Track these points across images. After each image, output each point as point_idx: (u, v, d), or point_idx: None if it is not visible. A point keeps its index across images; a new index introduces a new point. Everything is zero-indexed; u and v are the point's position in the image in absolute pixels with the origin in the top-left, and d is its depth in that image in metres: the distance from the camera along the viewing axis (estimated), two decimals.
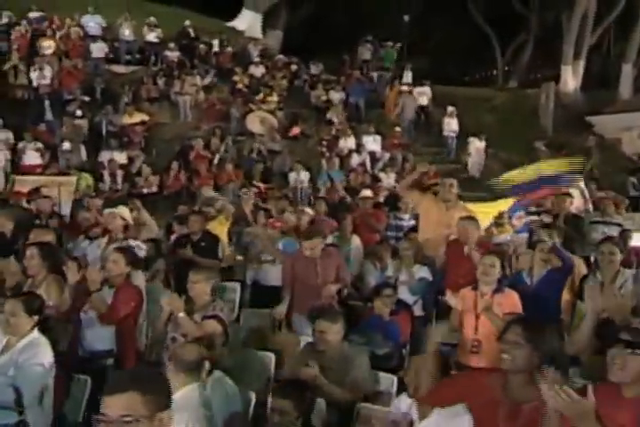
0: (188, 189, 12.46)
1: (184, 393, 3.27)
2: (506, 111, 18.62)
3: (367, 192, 9.14)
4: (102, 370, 4.60)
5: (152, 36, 18.13)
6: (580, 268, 5.80)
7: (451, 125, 16.65)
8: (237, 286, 7.23)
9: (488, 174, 15.47)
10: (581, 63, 20.48)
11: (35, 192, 10.35)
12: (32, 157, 12.56)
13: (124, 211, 6.81)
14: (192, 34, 19.13)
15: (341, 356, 4.36)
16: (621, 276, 5.40)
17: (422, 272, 6.33)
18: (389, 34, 22.32)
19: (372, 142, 15.53)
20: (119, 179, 12.80)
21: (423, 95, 17.77)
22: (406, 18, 22.46)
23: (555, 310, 5.43)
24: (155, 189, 12.71)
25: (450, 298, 5.22)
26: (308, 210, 8.16)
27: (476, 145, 15.91)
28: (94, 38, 16.99)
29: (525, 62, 25.22)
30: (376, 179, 13.87)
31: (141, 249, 6.69)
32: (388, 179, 13.70)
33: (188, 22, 19.39)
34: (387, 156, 15.42)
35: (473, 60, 28.04)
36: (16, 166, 12.50)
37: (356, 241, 7.89)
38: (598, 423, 2.43)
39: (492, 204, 9.02)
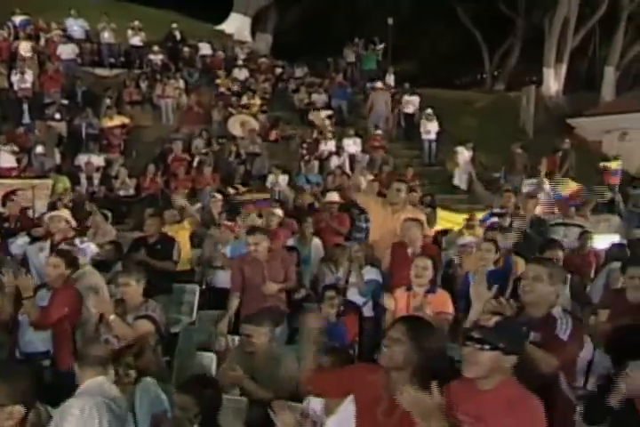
0: (164, 193, 12.51)
1: (87, 384, 3.36)
2: (487, 114, 18.69)
3: (333, 196, 9.19)
4: (39, 371, 4.70)
5: (136, 40, 18.23)
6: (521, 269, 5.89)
7: (427, 128, 16.44)
8: (196, 288, 7.35)
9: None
10: (564, 66, 20.55)
11: (9, 195, 10.48)
12: (7, 160, 12.62)
13: (66, 213, 6.92)
14: (178, 37, 19.17)
15: (269, 357, 4.44)
16: None
17: (371, 274, 6.39)
18: (377, 37, 22.45)
19: (352, 145, 15.60)
20: (96, 181, 12.86)
21: (409, 104, 17.65)
22: (390, 21, 22.48)
23: None
24: (131, 191, 12.77)
25: (384, 299, 5.34)
26: (278, 211, 8.25)
27: (465, 155, 15.65)
28: (73, 41, 17.04)
29: (512, 65, 25.32)
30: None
31: (93, 250, 6.81)
32: (365, 181, 13.74)
33: (174, 25, 19.45)
34: (366, 158, 15.51)
35: (461, 64, 28.09)
36: None
37: (315, 243, 8.02)
38: (444, 420, 2.52)
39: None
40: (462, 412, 2.65)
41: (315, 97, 17.61)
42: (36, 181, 11.76)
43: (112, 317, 4.48)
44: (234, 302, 5.82)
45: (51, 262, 4.96)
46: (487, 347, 2.61)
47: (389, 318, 5.07)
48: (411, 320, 3.07)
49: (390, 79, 19.20)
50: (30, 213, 10.31)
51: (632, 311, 4.69)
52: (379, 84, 17.69)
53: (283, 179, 13.61)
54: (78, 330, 4.94)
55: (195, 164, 13.96)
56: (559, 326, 3.31)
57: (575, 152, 15.06)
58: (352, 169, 14.90)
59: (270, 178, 13.55)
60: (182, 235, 7.47)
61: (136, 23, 18.49)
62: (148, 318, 4.54)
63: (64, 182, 12.23)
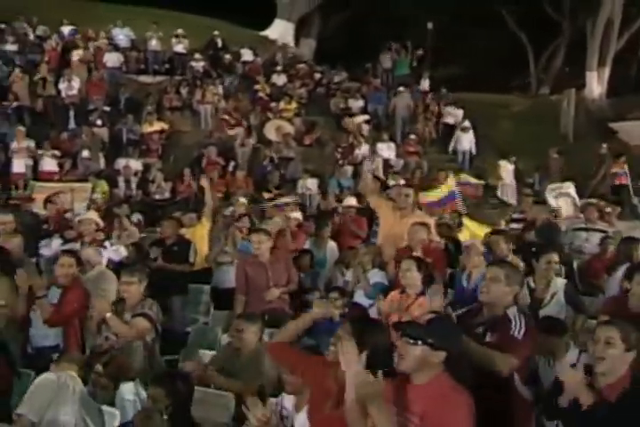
0: (197, 196, 12.86)
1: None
2: (526, 118, 18.48)
3: (351, 200, 9.34)
4: (47, 365, 5.00)
5: (180, 47, 18.73)
6: None
7: (462, 142, 16.35)
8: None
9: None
10: (607, 69, 20.14)
11: (51, 198, 10.96)
12: (49, 165, 13.19)
13: (94, 216, 7.24)
14: (219, 44, 19.61)
15: (254, 354, 4.62)
16: (553, 284, 5.55)
17: (377, 277, 6.50)
18: (417, 42, 22.50)
19: (386, 149, 15.72)
20: (133, 185, 13.32)
21: (449, 115, 17.63)
22: (430, 25, 22.46)
23: None
24: (167, 195, 13.18)
25: (378, 301, 5.48)
26: (296, 215, 8.45)
27: (508, 168, 15.35)
28: (118, 50, 17.65)
29: (557, 69, 24.92)
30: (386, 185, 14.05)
31: (122, 253, 7.15)
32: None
33: (216, 33, 19.90)
34: (400, 162, 15.60)
35: (506, 67, 27.73)
36: (36, 173, 13.14)
37: (331, 246, 8.19)
38: (385, 404, 2.66)
39: None
40: (399, 405, 2.80)
41: (351, 102, 17.76)
42: (75, 185, 12.25)
43: (108, 315, 4.73)
44: (239, 304, 6.03)
45: (63, 262, 5.26)
46: (416, 342, 2.74)
47: (383, 320, 5.20)
48: (357, 320, 3.22)
49: (425, 84, 19.18)
50: (70, 215, 10.81)
51: (633, 320, 4.69)
52: (401, 89, 17.86)
53: (312, 183, 13.84)
54: (85, 326, 5.23)
55: (230, 168, 14.33)
56: (513, 326, 3.41)
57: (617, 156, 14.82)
58: (385, 173, 15.06)
59: (300, 182, 13.79)
60: (200, 234, 7.73)
61: (179, 31, 18.99)
62: (144, 316, 4.76)
63: (102, 186, 12.71)
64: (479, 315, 3.64)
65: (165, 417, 3.40)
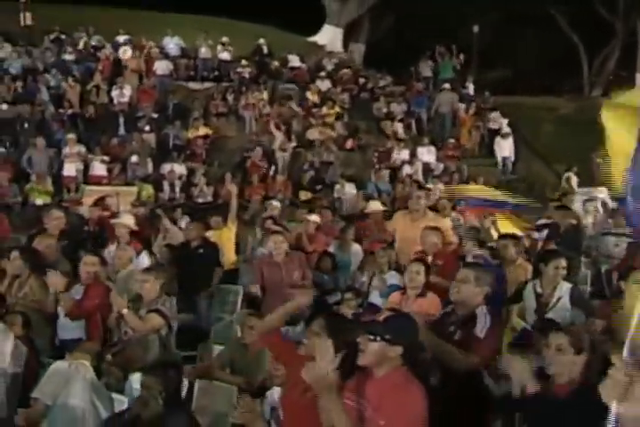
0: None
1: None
2: (571, 121, 18.25)
3: (375, 205, 9.55)
4: None
5: (224, 55, 19.26)
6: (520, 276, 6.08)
7: (502, 148, 16.30)
8: (240, 288, 7.92)
9: (542, 185, 15.51)
10: None
11: (99, 201, 11.51)
12: (99, 169, 13.81)
13: (127, 220, 7.65)
14: (265, 50, 20.05)
15: (261, 350, 4.91)
16: (559, 289, 5.65)
17: (393, 279, 6.71)
18: (462, 44, 22.48)
19: (427, 153, 15.84)
20: (177, 189, 13.82)
21: (495, 122, 17.52)
22: (476, 28, 22.41)
23: None
24: (209, 198, 13.64)
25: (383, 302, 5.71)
26: (315, 218, 8.72)
27: (574, 180, 14.92)
28: (168, 58, 18.29)
29: (610, 71, 24.48)
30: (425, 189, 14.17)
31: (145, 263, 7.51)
32: (435, 189, 13.97)
33: (262, 40, 20.33)
34: (441, 166, 15.70)
35: (559, 70, 27.37)
36: (86, 177, 13.77)
37: (355, 249, 8.42)
38: (338, 395, 2.90)
39: None
40: (360, 396, 3.03)
41: (393, 106, 17.94)
42: (122, 189, 12.84)
43: (125, 311, 5.08)
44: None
45: (86, 261, 5.67)
46: (375, 338, 2.97)
47: None
48: (328, 316, 3.47)
49: (470, 88, 19.17)
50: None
51: None
52: (446, 86, 17.99)
53: (349, 187, 14.07)
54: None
55: (271, 172, 14.72)
56: (478, 325, 3.60)
57: None
58: (425, 177, 15.18)
59: (337, 187, 14.04)
60: (227, 236, 8.08)
61: (225, 39, 19.53)
62: (157, 312, 5.11)
63: (148, 190, 13.26)
64: (453, 314, 3.85)
65: (160, 402, 3.73)
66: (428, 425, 2.93)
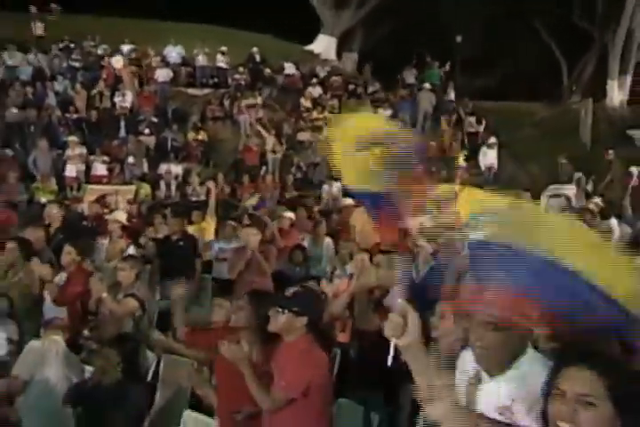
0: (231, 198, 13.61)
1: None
2: (547, 125, 18.56)
3: (348, 200, 9.87)
4: None
5: (222, 63, 19.61)
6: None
7: (487, 157, 16.55)
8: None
9: (516, 184, 15.78)
10: (628, 78, 20.00)
11: (100, 199, 11.87)
12: (100, 169, 14.17)
13: (119, 216, 8.04)
14: (257, 58, 20.39)
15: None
16: None
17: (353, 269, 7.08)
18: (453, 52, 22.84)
19: None
20: (173, 188, 14.18)
21: (470, 126, 18.08)
22: (459, 39, 22.74)
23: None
24: (202, 197, 13.95)
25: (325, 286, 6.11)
26: (290, 214, 9.06)
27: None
28: (169, 66, 18.65)
29: (587, 78, 24.70)
30: None
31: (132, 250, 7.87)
32: None
33: (255, 49, 20.67)
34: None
35: (540, 78, 27.59)
36: (87, 177, 14.13)
37: (327, 243, 8.75)
38: (248, 365, 3.25)
39: None
40: (273, 360, 3.40)
41: (379, 111, 18.22)
42: (121, 188, 13.20)
43: (103, 295, 5.44)
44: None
45: (65, 250, 6.03)
46: (283, 310, 3.32)
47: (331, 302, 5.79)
48: (253, 293, 3.84)
49: (451, 95, 19.47)
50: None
51: None
52: (426, 85, 18.53)
53: (337, 186, 14.38)
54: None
55: (262, 172, 15.07)
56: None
57: (633, 162, 14.84)
58: None
59: (325, 186, 14.36)
60: (206, 230, 8.43)
61: (223, 48, 19.85)
62: (133, 296, 5.46)
63: (145, 188, 13.59)
64: None
65: (119, 372, 4.07)
66: (336, 385, 3.30)
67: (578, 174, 14.53)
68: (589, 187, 14.38)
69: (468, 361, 2.16)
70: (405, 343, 1.75)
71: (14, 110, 15.49)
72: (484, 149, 16.82)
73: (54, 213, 8.55)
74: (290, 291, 3.56)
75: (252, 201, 12.23)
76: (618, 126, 18.42)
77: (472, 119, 17.75)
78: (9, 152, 14.39)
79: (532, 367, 1.93)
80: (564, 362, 1.68)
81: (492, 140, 16.83)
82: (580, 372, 1.62)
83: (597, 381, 1.59)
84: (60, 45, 19.18)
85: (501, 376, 2.03)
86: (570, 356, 1.70)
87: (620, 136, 17.80)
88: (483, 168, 16.68)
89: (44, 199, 13.27)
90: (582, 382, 1.60)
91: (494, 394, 2.02)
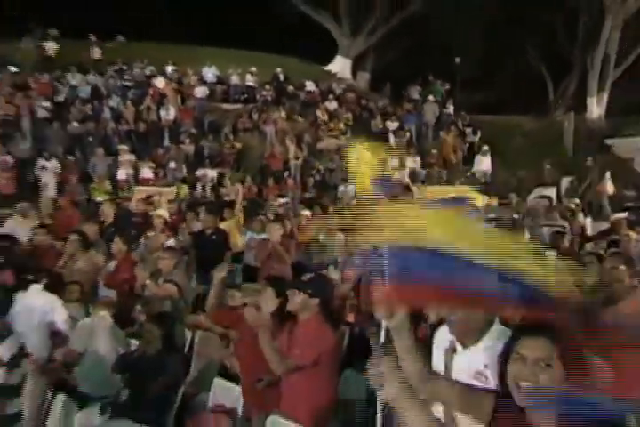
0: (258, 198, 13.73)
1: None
2: (534, 135, 18.44)
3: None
4: None
5: (251, 82, 19.71)
6: None
7: (481, 164, 16.42)
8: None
9: (507, 190, 15.72)
10: (605, 94, 19.84)
11: (146, 198, 12.02)
12: (147, 173, 14.34)
13: (162, 212, 8.15)
14: (281, 77, 20.47)
15: None
16: None
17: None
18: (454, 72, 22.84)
19: (413, 162, 16.17)
20: (207, 189, 14.31)
21: (469, 135, 18.06)
22: (457, 60, 22.67)
23: None
24: (233, 197, 14.06)
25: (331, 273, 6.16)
26: (307, 212, 9.13)
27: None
28: (205, 84, 18.80)
29: (570, 95, 24.53)
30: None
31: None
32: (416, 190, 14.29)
33: (279, 69, 20.76)
34: (424, 172, 16.00)
35: (530, 94, 27.41)
36: (136, 180, 14.32)
37: (339, 237, 8.80)
38: (268, 330, 3.32)
39: None
40: (289, 335, 3.46)
41: (387, 123, 18.26)
42: (164, 189, 13.31)
43: (147, 281, 5.54)
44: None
45: (115, 241, 6.17)
46: (300, 292, 3.39)
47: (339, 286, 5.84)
48: (272, 278, 3.90)
49: (450, 109, 19.42)
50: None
51: None
52: (430, 98, 18.45)
53: (351, 188, 14.43)
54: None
55: (285, 175, 15.16)
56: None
57: (609, 167, 14.74)
58: (412, 181, 15.48)
59: (341, 188, 14.43)
60: (235, 225, 8.52)
61: (252, 69, 19.99)
62: (171, 282, 5.56)
63: (184, 189, 13.73)
64: None
65: (159, 344, 4.16)
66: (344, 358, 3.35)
67: (568, 178, 14.52)
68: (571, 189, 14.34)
69: (444, 335, 2.21)
70: (392, 325, 1.83)
71: (75, 124, 15.70)
72: (478, 156, 16.74)
73: (108, 210, 8.72)
74: (306, 277, 3.62)
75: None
76: (596, 136, 18.26)
77: (469, 130, 17.67)
78: (71, 159, 14.61)
79: (499, 338, 1.98)
80: (523, 333, 1.76)
81: (485, 147, 16.76)
82: (537, 340, 1.71)
83: (550, 346, 1.69)
84: (115, 68, 19.36)
85: (474, 346, 2.08)
86: (528, 328, 1.78)
87: (598, 145, 17.66)
88: (477, 174, 16.62)
89: (99, 198, 13.51)
90: (540, 348, 1.69)
91: (468, 362, 2.07)
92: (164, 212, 8.72)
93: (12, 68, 17.27)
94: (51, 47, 19.09)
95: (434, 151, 16.50)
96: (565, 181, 15.05)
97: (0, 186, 12.31)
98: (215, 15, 25.41)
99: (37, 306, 4.83)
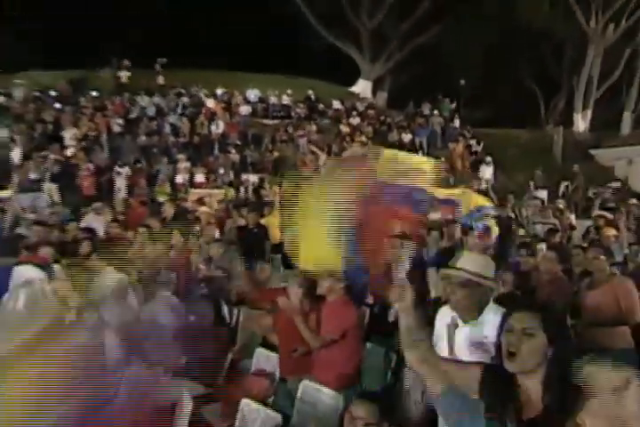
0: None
1: None
2: (529, 146, 18.11)
3: None
4: None
5: (287, 101, 19.78)
6: None
7: (485, 173, 16.09)
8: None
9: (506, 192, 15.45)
10: (589, 111, 19.48)
11: (200, 199, 12.19)
12: (200, 178, 14.51)
13: (204, 209, 8.26)
14: (313, 98, 20.49)
15: None
16: None
17: None
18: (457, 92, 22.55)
19: None
20: (250, 191, 14.40)
21: (474, 146, 17.81)
22: (462, 82, 22.39)
23: None
24: (272, 198, 14.12)
25: None
26: None
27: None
28: (249, 104, 18.94)
29: (559, 112, 24.05)
30: None
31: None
32: None
33: (310, 91, 20.78)
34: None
35: (525, 110, 26.94)
36: (191, 183, 14.51)
37: None
38: (300, 314, 3.34)
39: None
40: (320, 314, 3.47)
41: (403, 135, 18.14)
42: (214, 191, 13.50)
43: (200, 266, 5.64)
44: None
45: (174, 234, 6.28)
46: (327, 277, 3.40)
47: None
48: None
49: (456, 123, 19.19)
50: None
51: None
52: (435, 112, 18.58)
53: None
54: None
55: None
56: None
57: (593, 174, 14.45)
58: None
59: None
60: (274, 221, 8.54)
61: (288, 91, 20.06)
62: (220, 268, 5.64)
63: (230, 192, 13.82)
64: None
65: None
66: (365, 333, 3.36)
67: (565, 183, 14.23)
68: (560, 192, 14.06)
69: (446, 312, 2.21)
70: (401, 307, 1.85)
71: (143, 137, 15.96)
72: (482, 166, 16.43)
73: (168, 209, 8.88)
74: None
75: None
76: (582, 147, 17.89)
77: (473, 141, 17.43)
78: (140, 166, 14.85)
79: (495, 314, 1.97)
80: (513, 308, 1.78)
81: (488, 159, 16.49)
82: (524, 313, 1.72)
83: (535, 318, 1.70)
84: (175, 91, 19.64)
85: (474, 321, 2.08)
86: (517, 304, 1.80)
87: (583, 154, 17.30)
88: (482, 181, 16.28)
89: (161, 199, 13.72)
90: (525, 319, 1.71)
91: (469, 335, 2.07)
92: (206, 209, 8.81)
93: (94, 93, 17.81)
94: (124, 75, 19.47)
95: (442, 159, 16.29)
96: (562, 186, 14.74)
97: (84, 189, 12.60)
98: (258, 47, 25.53)
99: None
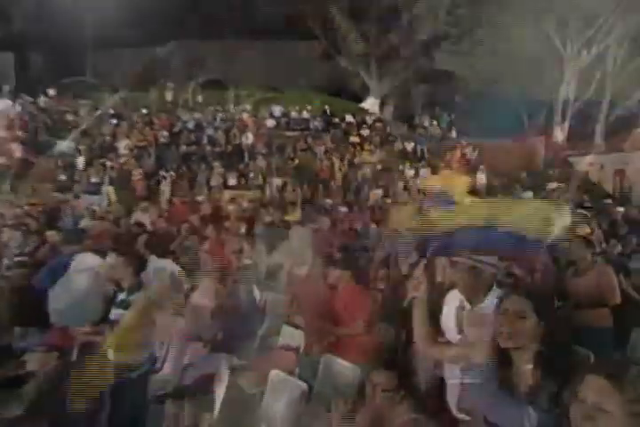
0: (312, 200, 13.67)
1: None
2: (516, 153, 17.76)
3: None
4: None
5: (306, 116, 19.70)
6: None
7: (480, 179, 15.70)
8: None
9: (495, 193, 15.18)
10: (566, 124, 19.23)
11: (232, 199, 12.18)
12: (232, 181, 14.52)
13: (231, 208, 8.25)
14: (328, 112, 20.37)
15: None
16: None
17: None
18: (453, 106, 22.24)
19: (425, 171, 15.83)
20: (274, 192, 14.38)
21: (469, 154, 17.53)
22: (457, 98, 22.07)
23: None
24: (293, 198, 14.05)
25: None
26: (344, 209, 9.05)
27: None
28: (273, 118, 18.91)
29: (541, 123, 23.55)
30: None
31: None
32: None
33: (326, 106, 20.64)
34: None
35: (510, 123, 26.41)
36: (225, 186, 14.52)
37: (373, 227, 8.67)
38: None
39: None
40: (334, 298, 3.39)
41: (406, 144, 17.96)
42: (244, 193, 13.52)
43: (232, 256, 5.59)
44: None
45: (209, 228, 6.27)
46: (335, 268, 3.33)
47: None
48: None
49: (453, 133, 18.94)
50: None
51: None
52: (434, 123, 18.72)
53: (379, 192, 14.28)
54: None
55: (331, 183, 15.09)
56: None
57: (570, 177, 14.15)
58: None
59: (372, 192, 14.25)
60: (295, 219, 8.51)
61: (308, 107, 19.95)
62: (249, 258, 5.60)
63: (257, 193, 13.84)
64: None
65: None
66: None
67: (553, 184, 13.94)
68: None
69: (455, 295, 2.13)
70: (418, 297, 1.79)
71: (184, 147, 16.08)
72: (478, 173, 16.10)
73: (205, 208, 8.88)
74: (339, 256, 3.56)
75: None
76: (560, 154, 17.57)
77: (468, 149, 17.18)
78: (182, 171, 14.94)
79: (498, 297, 1.90)
80: (508, 293, 1.76)
81: (482, 167, 16.20)
82: (517, 298, 1.69)
83: (527, 302, 1.66)
84: (212, 108, 19.69)
85: (480, 304, 2.01)
86: (512, 289, 1.86)
87: (561, 161, 17.01)
88: (477, 184, 16.00)
89: (200, 199, 13.78)
90: (517, 303, 1.67)
91: (475, 317, 1.98)
92: (232, 207, 8.81)
93: (144, 111, 18.02)
94: (169, 95, 19.59)
95: (442, 165, 16.12)
96: (553, 186, 14.42)
97: (137, 190, 12.83)
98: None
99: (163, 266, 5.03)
